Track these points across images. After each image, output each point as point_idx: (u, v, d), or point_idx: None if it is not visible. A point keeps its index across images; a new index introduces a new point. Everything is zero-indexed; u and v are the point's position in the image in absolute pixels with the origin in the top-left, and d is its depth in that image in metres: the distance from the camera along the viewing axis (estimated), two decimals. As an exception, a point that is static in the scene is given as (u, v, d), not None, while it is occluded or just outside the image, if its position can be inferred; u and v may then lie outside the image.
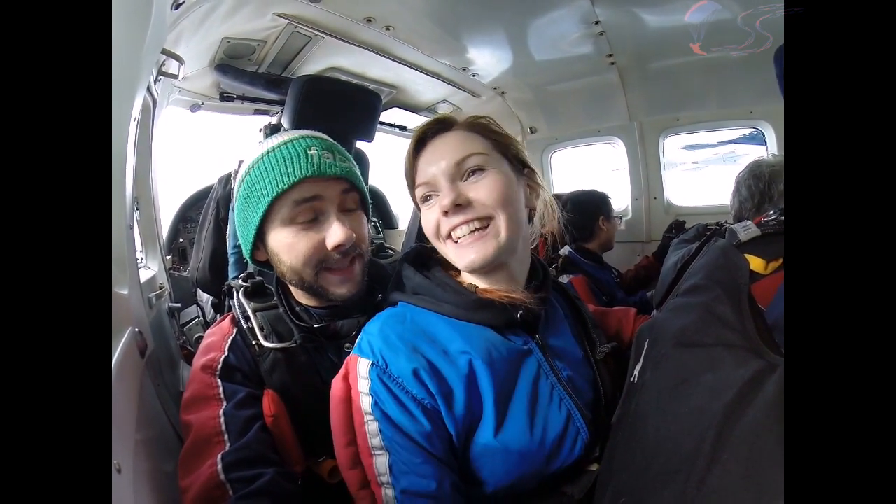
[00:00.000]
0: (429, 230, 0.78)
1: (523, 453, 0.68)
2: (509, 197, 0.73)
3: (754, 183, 1.46)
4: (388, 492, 0.65)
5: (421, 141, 0.78)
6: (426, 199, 0.77)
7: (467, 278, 0.79)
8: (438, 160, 0.75)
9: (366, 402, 0.67)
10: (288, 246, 0.81)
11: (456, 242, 0.74)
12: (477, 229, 0.72)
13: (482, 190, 0.73)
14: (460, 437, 0.68)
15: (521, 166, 0.80)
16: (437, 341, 0.72)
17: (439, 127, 0.79)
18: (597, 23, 1.70)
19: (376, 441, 0.66)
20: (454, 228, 0.73)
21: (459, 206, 0.72)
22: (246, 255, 0.88)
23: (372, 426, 0.67)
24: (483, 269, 0.74)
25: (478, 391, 0.69)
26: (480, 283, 0.77)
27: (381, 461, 0.66)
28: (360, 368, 0.69)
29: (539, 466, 0.70)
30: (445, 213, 0.72)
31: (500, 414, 0.69)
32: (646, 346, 0.68)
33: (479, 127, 0.79)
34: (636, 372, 0.68)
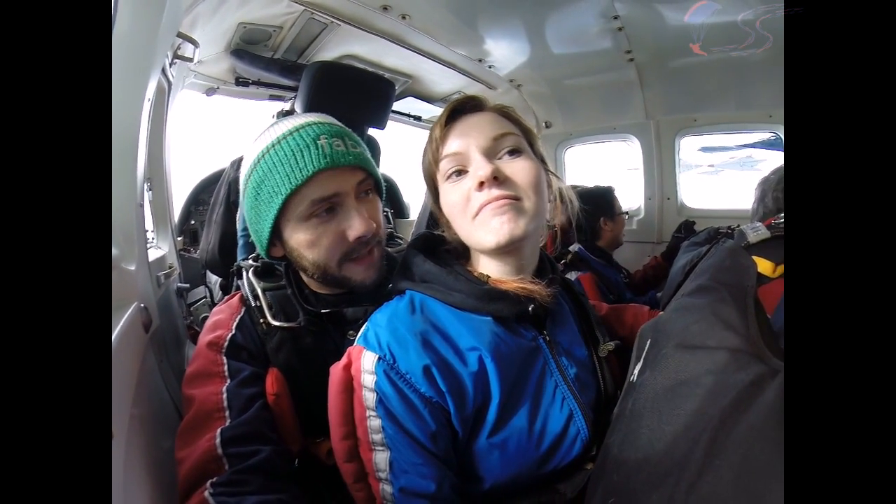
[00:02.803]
0: (455, 206, 0.73)
1: (521, 452, 0.68)
2: (540, 184, 0.72)
3: (780, 196, 1.42)
4: (387, 488, 0.64)
5: (452, 114, 0.75)
6: (454, 173, 0.73)
7: (479, 267, 0.77)
8: (473, 132, 0.72)
9: (370, 398, 0.66)
10: (309, 242, 0.80)
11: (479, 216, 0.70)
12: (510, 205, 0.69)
13: (518, 171, 0.70)
14: (465, 435, 0.67)
15: (541, 161, 0.78)
16: (448, 336, 0.70)
17: (473, 105, 0.76)
18: (616, 17, 1.66)
19: (378, 437, 0.65)
20: (488, 203, 0.69)
21: (496, 179, 0.68)
22: (261, 252, 0.87)
23: (374, 422, 0.65)
24: (510, 246, 0.70)
25: (487, 389, 0.68)
26: (493, 273, 0.75)
27: (381, 457, 0.65)
28: (364, 361, 0.67)
29: (536, 465, 0.69)
30: (481, 185, 0.68)
31: (504, 412, 0.68)
32: (647, 346, 0.67)
33: (509, 115, 0.77)
34: (636, 371, 0.67)
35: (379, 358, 0.66)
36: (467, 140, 0.71)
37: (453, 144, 0.73)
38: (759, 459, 0.39)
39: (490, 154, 0.71)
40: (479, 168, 0.69)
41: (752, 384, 0.46)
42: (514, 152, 0.72)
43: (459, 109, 0.76)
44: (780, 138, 2.24)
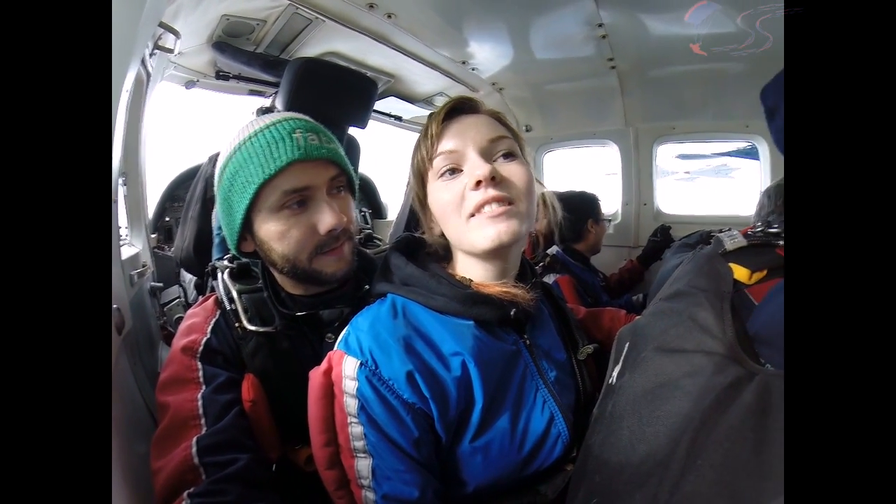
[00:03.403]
0: (449, 205, 0.72)
1: (504, 456, 0.68)
2: (532, 189, 0.72)
3: (774, 193, 1.48)
4: (369, 495, 0.63)
5: (450, 113, 0.75)
6: (448, 171, 0.72)
7: (460, 271, 0.77)
8: (471, 132, 0.72)
9: (351, 405, 0.64)
10: (279, 234, 0.79)
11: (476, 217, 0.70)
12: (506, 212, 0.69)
13: (515, 173, 0.71)
14: (448, 440, 0.67)
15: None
16: (431, 341, 0.69)
17: (470, 106, 0.77)
18: (600, 25, 1.69)
19: (360, 444, 0.64)
20: (486, 203, 0.68)
21: (494, 179, 0.68)
22: (231, 247, 0.86)
23: (356, 429, 0.64)
24: (502, 249, 0.70)
25: (470, 394, 0.67)
26: (476, 276, 0.75)
27: (363, 464, 0.64)
28: (346, 367, 0.66)
29: (518, 468, 0.69)
30: (478, 184, 0.68)
31: (487, 417, 0.68)
32: (626, 349, 0.69)
33: (501, 120, 0.78)
34: (615, 374, 0.68)
35: (361, 363, 0.65)
36: (464, 139, 0.72)
37: (449, 142, 0.72)
38: (739, 459, 0.41)
39: (486, 155, 0.71)
40: (477, 167, 0.69)
41: (731, 387, 0.47)
42: (509, 155, 0.72)
43: (457, 109, 0.76)
44: (756, 148, 2.31)
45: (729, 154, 2.51)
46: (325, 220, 0.78)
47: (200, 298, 0.91)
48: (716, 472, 0.41)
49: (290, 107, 1.48)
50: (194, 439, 0.66)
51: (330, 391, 0.67)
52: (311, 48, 1.83)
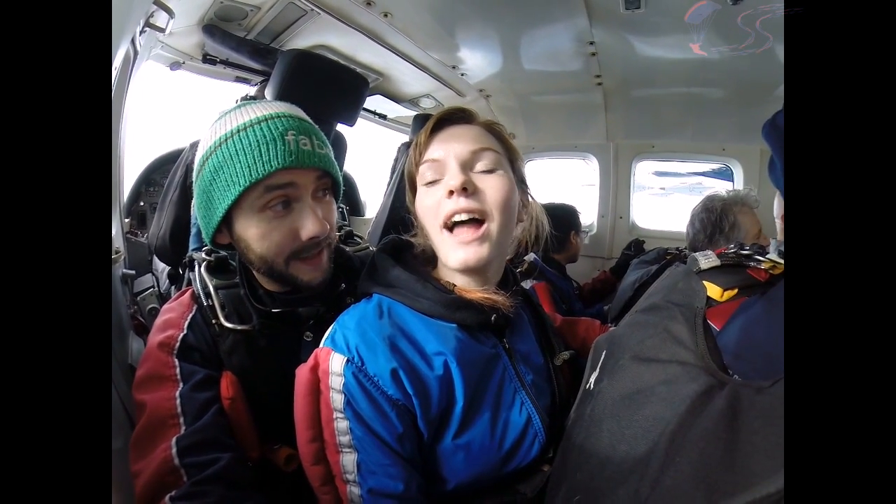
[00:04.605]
0: (427, 214, 0.75)
1: (484, 454, 0.70)
2: (509, 203, 0.74)
3: (706, 216, 1.58)
4: (354, 490, 0.64)
5: (439, 123, 0.78)
6: (430, 182, 0.75)
7: (445, 275, 0.79)
8: (455, 143, 0.74)
9: (337, 400, 0.66)
10: (259, 235, 0.76)
11: (451, 231, 0.73)
12: (475, 221, 0.72)
13: (490, 186, 0.73)
14: (429, 437, 0.69)
15: (520, 181, 0.81)
16: (415, 340, 0.71)
17: (462, 116, 0.79)
18: (591, 43, 1.75)
19: (345, 439, 0.65)
20: (455, 213, 0.71)
21: (466, 190, 0.71)
22: (206, 239, 0.83)
23: (342, 424, 0.65)
24: (474, 270, 0.74)
25: (452, 393, 0.69)
26: (459, 282, 0.77)
27: (348, 459, 0.65)
28: (332, 363, 0.67)
29: (497, 466, 0.71)
30: (451, 193, 0.71)
31: (468, 416, 0.70)
32: (602, 357, 0.72)
33: (495, 131, 0.80)
34: (592, 380, 0.72)
35: (347, 360, 0.66)
36: (447, 148, 0.74)
37: (434, 151, 0.75)
38: (713, 456, 0.44)
39: (466, 166, 0.73)
40: (452, 178, 0.71)
41: (704, 394, 0.51)
42: (491, 167, 0.74)
43: (447, 119, 0.78)
44: (731, 170, 2.42)
45: (704, 174, 2.62)
46: (308, 226, 0.77)
47: (176, 292, 0.89)
48: (693, 468, 0.45)
49: (279, 98, 1.46)
50: (174, 439, 0.64)
51: (316, 387, 0.68)
52: (303, 40, 1.81)
